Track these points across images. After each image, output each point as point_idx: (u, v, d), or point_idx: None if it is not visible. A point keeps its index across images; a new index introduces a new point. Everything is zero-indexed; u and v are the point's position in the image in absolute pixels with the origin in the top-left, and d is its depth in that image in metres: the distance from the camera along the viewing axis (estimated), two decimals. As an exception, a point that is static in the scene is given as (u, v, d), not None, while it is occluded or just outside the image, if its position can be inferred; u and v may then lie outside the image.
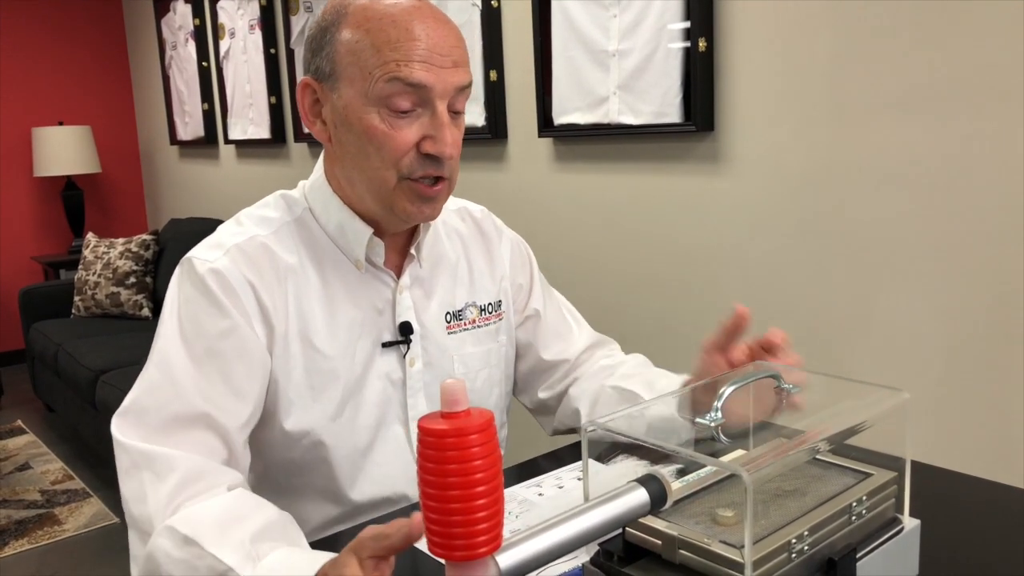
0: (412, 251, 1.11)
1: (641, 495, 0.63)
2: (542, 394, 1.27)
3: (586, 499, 0.66)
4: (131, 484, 0.92)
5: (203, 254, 1.03)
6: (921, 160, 1.58)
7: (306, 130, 3.45)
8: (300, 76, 1.05)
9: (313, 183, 1.10)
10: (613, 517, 0.62)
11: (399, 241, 1.11)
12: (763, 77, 1.83)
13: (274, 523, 0.88)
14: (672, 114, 2.00)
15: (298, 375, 1.03)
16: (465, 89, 1.01)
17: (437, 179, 1.01)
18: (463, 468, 0.52)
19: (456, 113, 1.02)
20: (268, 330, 1.01)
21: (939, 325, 1.59)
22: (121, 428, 0.94)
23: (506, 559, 0.55)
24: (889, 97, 1.61)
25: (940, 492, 1.01)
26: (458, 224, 1.22)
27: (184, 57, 4.36)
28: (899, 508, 0.77)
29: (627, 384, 1.15)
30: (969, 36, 1.48)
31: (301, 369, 1.03)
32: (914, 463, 1.07)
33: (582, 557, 0.76)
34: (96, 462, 3.48)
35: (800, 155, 1.79)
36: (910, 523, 0.77)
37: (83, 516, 3.00)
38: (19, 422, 4.06)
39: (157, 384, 0.96)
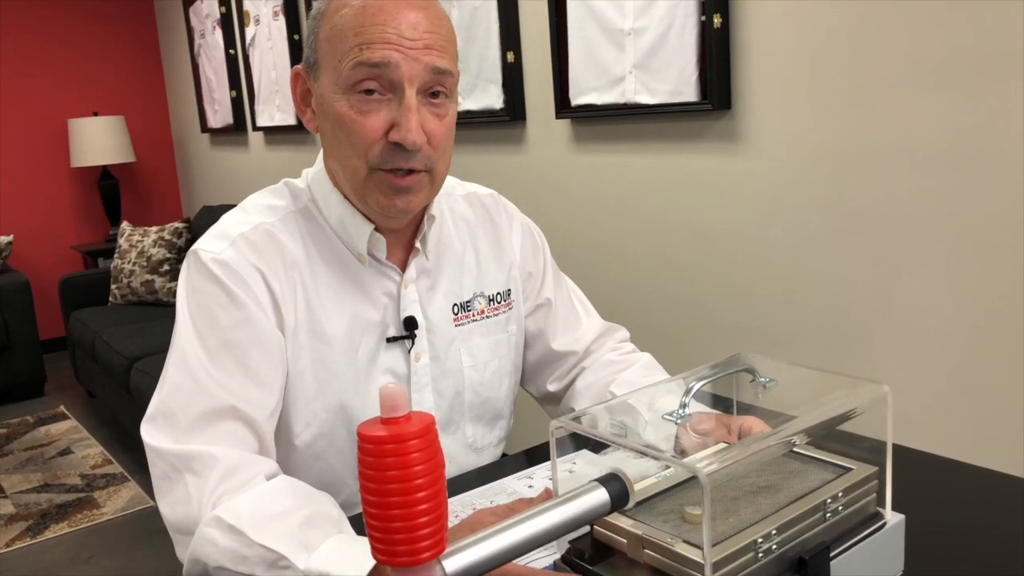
0: (417, 245, 1.08)
1: (601, 495, 0.62)
2: (551, 386, 1.25)
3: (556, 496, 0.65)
4: (172, 489, 0.90)
5: (208, 245, 1.01)
6: (945, 137, 1.52)
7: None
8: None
9: (316, 174, 1.08)
10: (571, 518, 0.61)
11: (403, 236, 1.08)
12: (780, 53, 1.79)
13: (321, 509, 0.87)
14: (688, 93, 1.97)
15: (304, 366, 1.02)
16: (443, 75, 0.96)
17: (410, 170, 0.97)
18: (402, 475, 0.51)
19: (434, 101, 0.97)
20: (279, 318, 1.00)
21: (962, 308, 1.54)
22: (151, 434, 0.93)
23: (453, 563, 0.55)
24: (911, 72, 1.56)
25: (953, 484, 0.98)
26: (465, 211, 1.18)
27: (212, 45, 4.39)
28: (881, 503, 0.75)
29: (631, 400, 1.12)
30: (996, 7, 1.42)
31: (308, 360, 1.02)
32: (923, 454, 1.05)
33: (558, 554, 0.75)
34: (133, 446, 3.55)
35: (819, 132, 1.74)
36: (893, 518, 0.74)
37: (121, 500, 3.08)
38: (62, 408, 4.17)
39: (179, 384, 0.94)
